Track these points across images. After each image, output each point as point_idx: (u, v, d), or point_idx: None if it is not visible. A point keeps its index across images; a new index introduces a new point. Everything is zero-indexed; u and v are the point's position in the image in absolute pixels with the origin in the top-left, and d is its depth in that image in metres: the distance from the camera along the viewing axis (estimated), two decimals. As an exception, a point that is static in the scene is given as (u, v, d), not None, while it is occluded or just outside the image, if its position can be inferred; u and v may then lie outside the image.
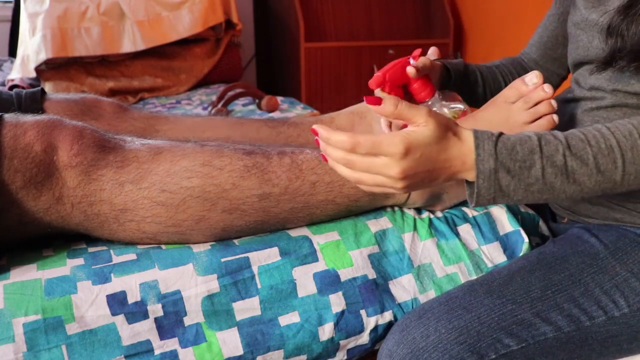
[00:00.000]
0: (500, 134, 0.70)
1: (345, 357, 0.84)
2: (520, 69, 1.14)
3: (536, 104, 0.88)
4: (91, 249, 0.82)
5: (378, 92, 0.94)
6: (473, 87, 1.07)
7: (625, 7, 0.80)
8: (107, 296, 0.75)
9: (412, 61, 0.92)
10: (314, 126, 0.69)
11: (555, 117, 0.88)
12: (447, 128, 0.68)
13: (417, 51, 0.93)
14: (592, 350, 0.80)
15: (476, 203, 0.70)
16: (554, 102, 0.88)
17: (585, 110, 0.91)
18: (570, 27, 0.96)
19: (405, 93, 0.94)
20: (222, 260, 0.80)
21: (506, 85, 1.06)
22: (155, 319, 0.76)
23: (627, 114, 0.85)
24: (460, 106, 0.94)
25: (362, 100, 1.13)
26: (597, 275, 0.81)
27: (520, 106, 0.89)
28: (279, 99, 2.03)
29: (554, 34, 1.09)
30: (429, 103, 0.92)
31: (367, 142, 0.66)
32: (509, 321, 0.77)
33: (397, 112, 0.68)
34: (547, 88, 0.87)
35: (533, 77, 0.89)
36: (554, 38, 1.09)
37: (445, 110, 0.92)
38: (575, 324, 0.78)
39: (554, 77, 1.13)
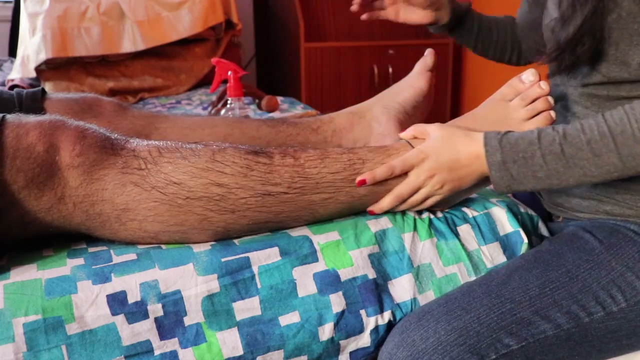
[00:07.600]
0: (507, 132, 0.81)
1: (347, 360, 0.84)
2: (513, 33, 1.21)
3: (533, 101, 0.89)
4: (91, 249, 0.83)
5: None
6: (467, 34, 1.19)
7: (561, 16, 0.88)
8: (107, 296, 0.75)
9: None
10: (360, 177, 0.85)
11: (552, 113, 0.89)
12: (453, 128, 0.82)
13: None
14: (592, 346, 0.80)
15: (497, 190, 0.82)
16: (551, 99, 0.89)
17: (564, 111, 0.94)
18: (545, 30, 0.99)
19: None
20: (222, 260, 0.80)
21: (496, 41, 1.19)
22: (156, 319, 0.76)
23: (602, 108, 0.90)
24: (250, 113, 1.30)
25: (362, 100, 1.13)
26: (594, 270, 0.81)
27: (518, 104, 0.89)
28: (279, 99, 2.03)
29: (526, 19, 1.18)
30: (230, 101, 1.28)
31: (399, 161, 0.84)
32: (508, 320, 0.77)
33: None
34: (544, 85, 0.88)
35: (530, 75, 0.90)
36: (527, 22, 1.18)
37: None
38: (575, 320, 0.78)
39: (531, 51, 1.20)
